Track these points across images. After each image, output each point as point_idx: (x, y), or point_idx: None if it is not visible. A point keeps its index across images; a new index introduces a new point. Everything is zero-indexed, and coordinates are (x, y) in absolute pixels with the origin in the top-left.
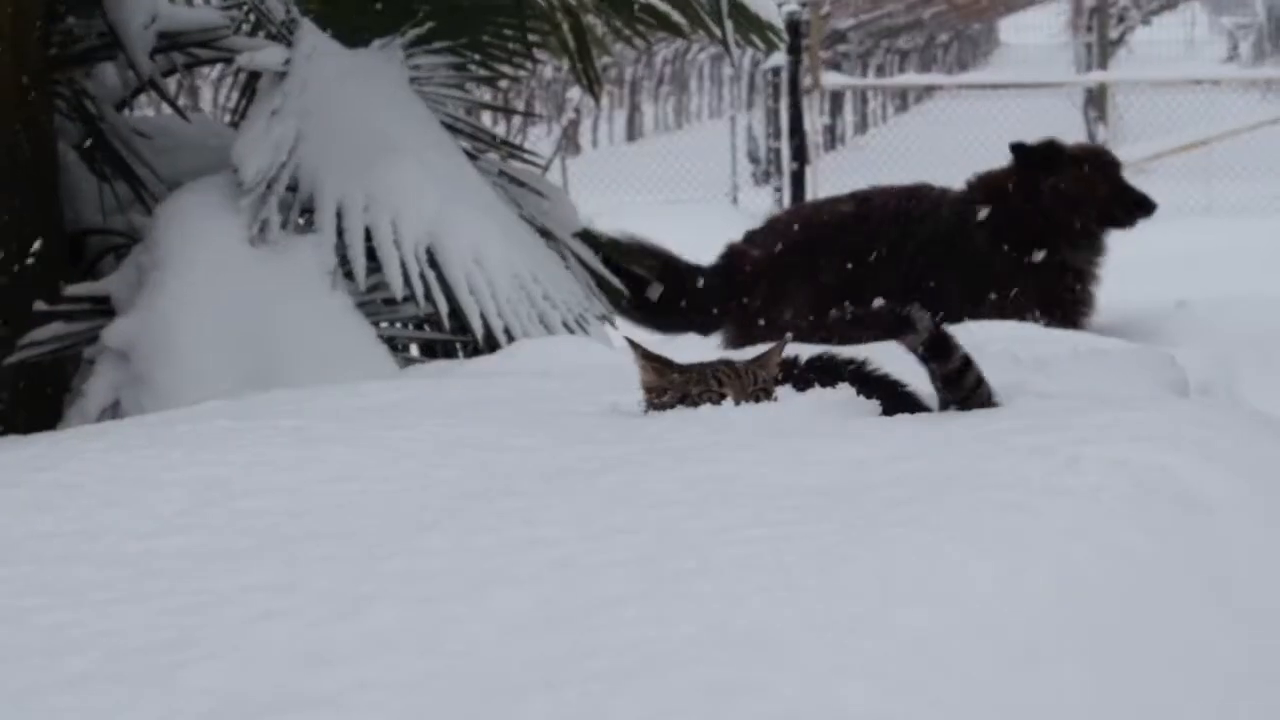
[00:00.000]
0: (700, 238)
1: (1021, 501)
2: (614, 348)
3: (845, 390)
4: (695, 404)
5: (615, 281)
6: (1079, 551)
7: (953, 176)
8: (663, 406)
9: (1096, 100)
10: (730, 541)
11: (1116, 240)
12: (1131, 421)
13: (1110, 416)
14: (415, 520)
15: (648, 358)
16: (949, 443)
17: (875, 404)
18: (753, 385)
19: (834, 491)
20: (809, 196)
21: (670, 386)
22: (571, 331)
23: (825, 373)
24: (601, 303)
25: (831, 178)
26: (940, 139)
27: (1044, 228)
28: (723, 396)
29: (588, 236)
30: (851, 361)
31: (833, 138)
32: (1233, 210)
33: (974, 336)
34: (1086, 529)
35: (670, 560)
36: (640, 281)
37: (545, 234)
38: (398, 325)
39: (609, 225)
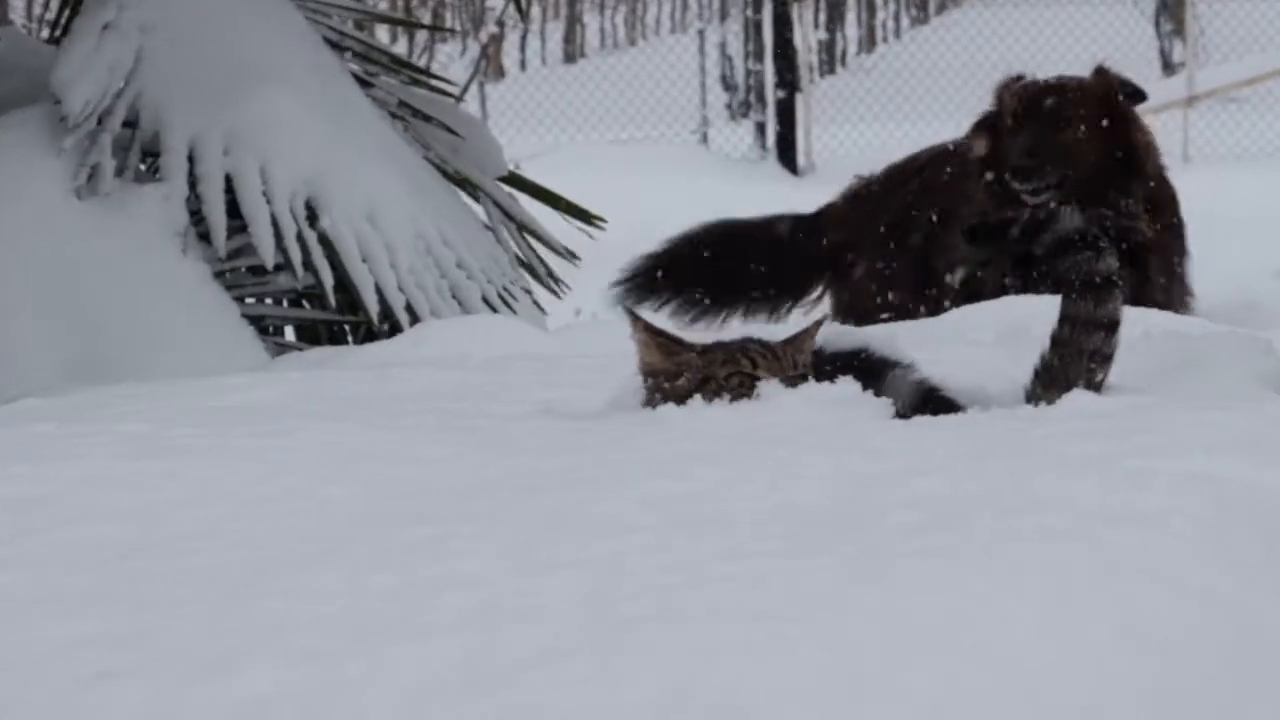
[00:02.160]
0: (661, 187)
1: (1071, 529)
2: (548, 330)
3: (848, 385)
4: (720, 391)
5: (555, 242)
6: (1145, 594)
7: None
8: (672, 396)
9: (1172, 8)
10: (698, 580)
11: (1195, 190)
12: (1214, 426)
13: (1187, 419)
14: (297, 552)
15: (652, 333)
16: (980, 453)
17: (886, 402)
18: (791, 369)
19: (831, 516)
20: (800, 133)
21: (684, 369)
22: (494, 309)
23: (846, 368)
24: (540, 272)
25: (829, 109)
26: (970, 60)
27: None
28: (755, 380)
29: (517, 183)
30: (862, 352)
31: (831, 58)
32: None
33: (1011, 313)
34: (1155, 565)
35: (622, 604)
36: (697, 255)
37: (460, 182)
38: (269, 301)
39: (544, 171)
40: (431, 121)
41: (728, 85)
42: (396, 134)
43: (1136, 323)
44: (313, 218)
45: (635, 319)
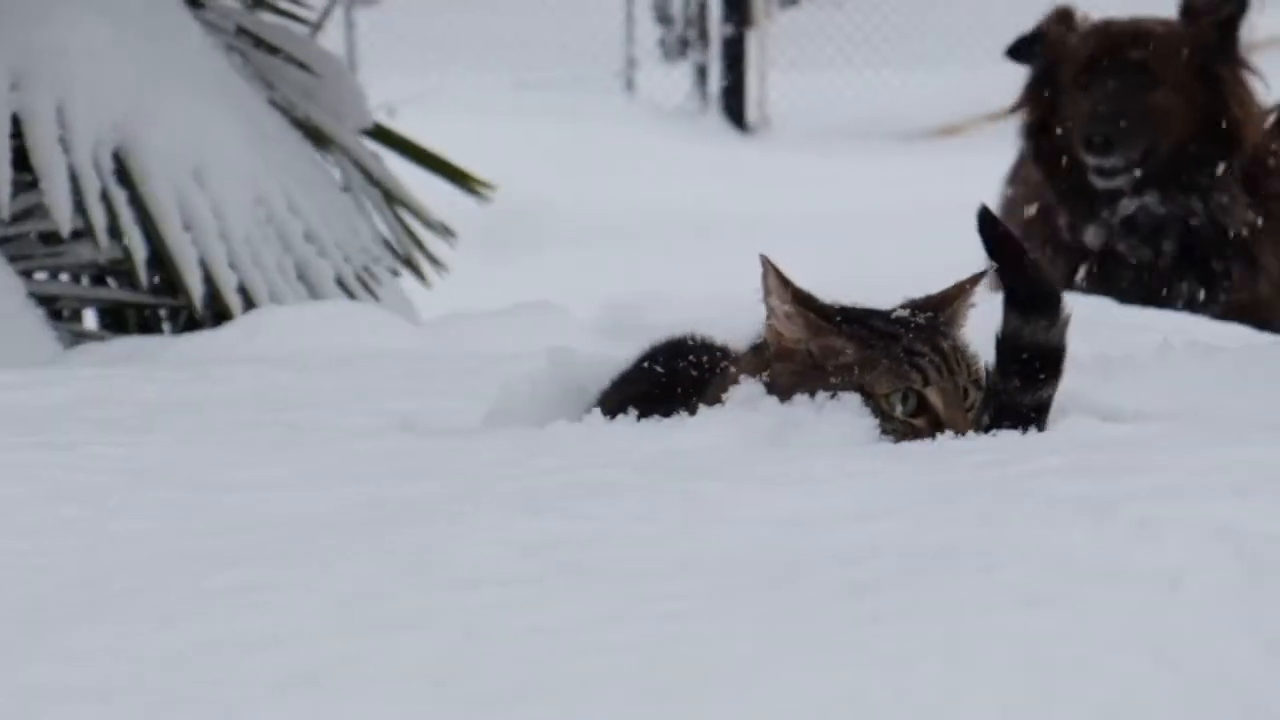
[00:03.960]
0: (573, 145)
1: (1056, 592)
2: (418, 321)
3: (789, 406)
4: (887, 418)
5: (428, 213)
6: (1147, 679)
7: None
8: (795, 388)
9: None
10: (578, 648)
11: None
12: (1243, 464)
13: (1209, 455)
14: (74, 602)
15: (802, 302)
16: (947, 493)
17: (848, 421)
18: (966, 378)
19: (752, 569)
20: (752, 79)
21: (828, 356)
22: (351, 294)
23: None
24: (415, 248)
25: (788, 49)
26: None
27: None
28: (925, 406)
29: (385, 138)
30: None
31: None
32: None
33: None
34: (1161, 641)
35: (476, 678)
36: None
37: (314, 133)
38: (63, 277)
39: (425, 121)
40: (279, 55)
41: (661, 16)
42: (233, 69)
43: (1150, 327)
44: (123, 172)
45: (770, 268)
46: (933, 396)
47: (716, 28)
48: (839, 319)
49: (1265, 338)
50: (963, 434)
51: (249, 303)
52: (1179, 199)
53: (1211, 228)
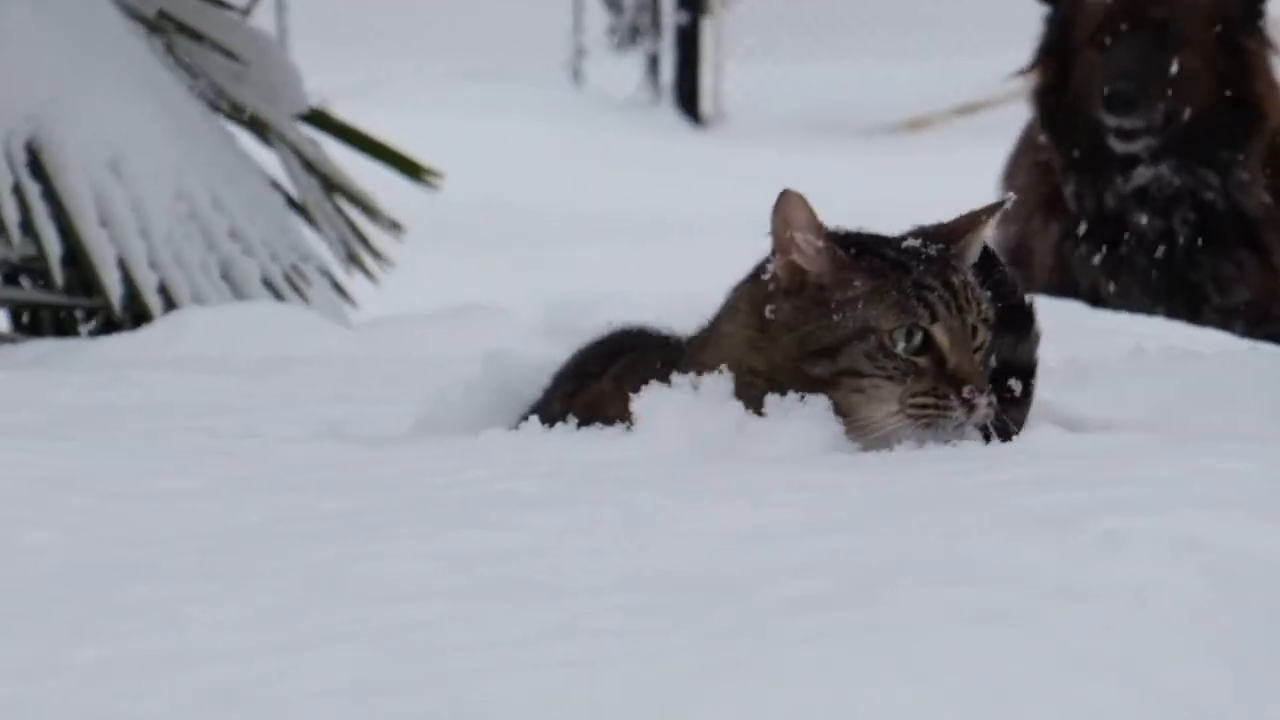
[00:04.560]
0: (519, 138)
1: (1017, 609)
2: (350, 321)
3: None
4: (878, 357)
5: (374, 204)
6: (1112, 700)
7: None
8: (798, 324)
9: None
10: (509, 666)
11: None
12: (1215, 475)
13: (1180, 466)
14: None
15: (828, 237)
16: (905, 505)
17: (804, 429)
18: (976, 315)
19: (695, 584)
20: (707, 69)
21: (838, 288)
22: (279, 295)
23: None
24: (342, 241)
25: (745, 38)
26: None
27: None
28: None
29: (323, 123)
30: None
31: None
32: None
33: None
34: (1127, 659)
35: (400, 696)
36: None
37: (246, 122)
38: None
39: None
40: (204, 41)
41: (611, 3)
42: (154, 56)
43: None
44: (36, 165)
45: (809, 212)
46: (939, 335)
47: (669, 15)
48: (854, 250)
49: (1244, 344)
50: (969, 377)
51: (170, 303)
52: (1197, 171)
53: (1227, 206)
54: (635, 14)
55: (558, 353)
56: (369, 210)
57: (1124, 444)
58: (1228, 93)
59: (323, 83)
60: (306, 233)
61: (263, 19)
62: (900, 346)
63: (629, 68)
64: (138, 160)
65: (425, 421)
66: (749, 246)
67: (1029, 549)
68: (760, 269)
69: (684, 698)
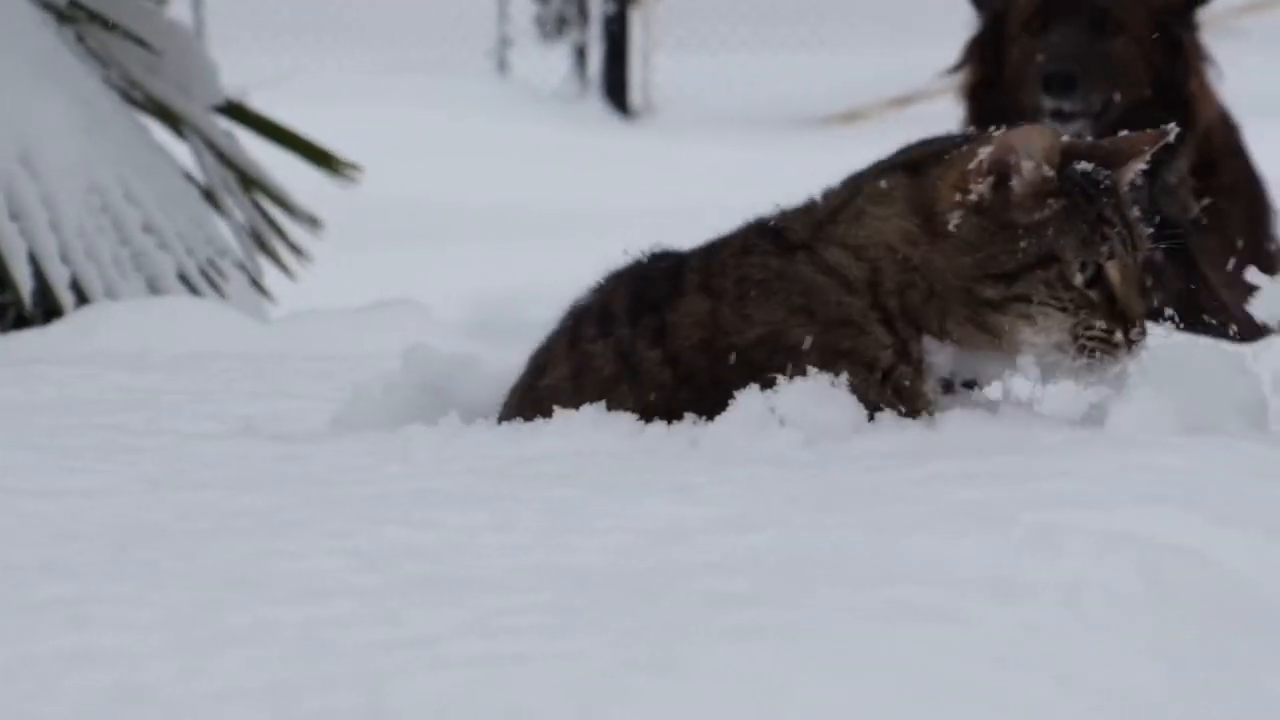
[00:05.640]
0: (443, 132)
1: (944, 606)
2: (268, 317)
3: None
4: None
5: (290, 199)
6: (1039, 698)
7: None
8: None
9: None
10: (422, 664)
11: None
12: (1151, 471)
13: (1115, 460)
14: None
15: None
16: (832, 500)
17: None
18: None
19: (615, 580)
20: (636, 61)
21: (1031, 211)
22: (195, 290)
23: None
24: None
25: (675, 29)
26: None
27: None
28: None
29: (240, 116)
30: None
31: None
32: None
33: None
34: (1055, 657)
35: (311, 696)
36: None
37: (158, 113)
38: None
39: (281, 105)
40: (116, 30)
41: None
42: (65, 46)
43: None
44: None
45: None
46: (1112, 271)
47: (597, 5)
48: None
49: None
50: (1135, 317)
51: (82, 298)
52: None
53: (1150, 209)
54: (562, 4)
55: (479, 348)
56: (285, 205)
57: (1056, 439)
58: (1164, 85)
59: (241, 74)
60: (224, 227)
61: (179, 9)
62: (1077, 279)
63: (556, 59)
64: (48, 153)
65: (343, 418)
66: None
67: (959, 545)
68: (912, 163)
69: (602, 696)
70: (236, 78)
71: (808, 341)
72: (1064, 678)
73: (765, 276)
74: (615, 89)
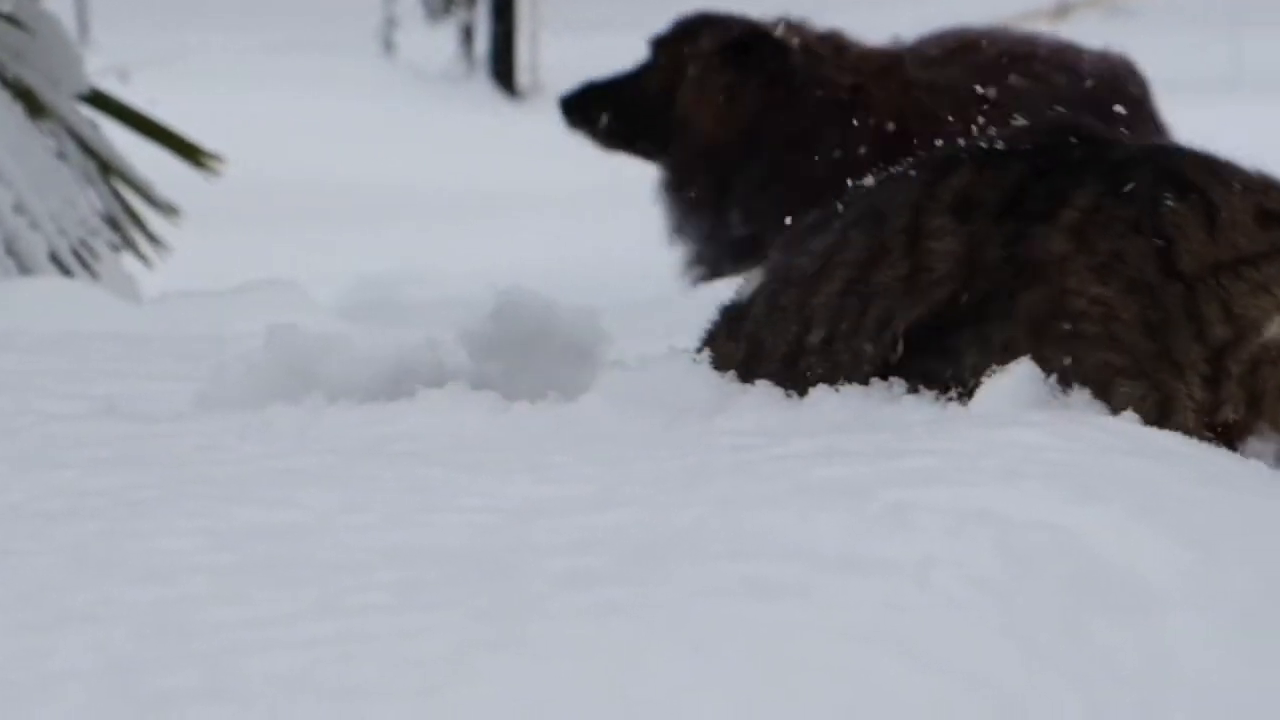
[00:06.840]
0: (327, 113)
1: (795, 582)
2: (139, 299)
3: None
4: None
5: (147, 187)
6: (886, 675)
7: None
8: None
9: None
10: (269, 643)
11: None
12: (1016, 448)
13: (978, 437)
14: None
15: None
16: (693, 478)
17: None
18: None
19: (467, 559)
20: (523, 40)
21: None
22: (66, 271)
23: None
24: (124, 221)
25: (563, 7)
26: None
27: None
28: None
29: (104, 105)
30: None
31: None
32: (1271, 82)
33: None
34: (905, 635)
35: (156, 675)
36: None
37: (24, 96)
38: None
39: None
40: None
41: None
42: None
43: None
44: None
45: None
46: None
47: None
48: None
49: None
50: None
51: None
52: None
53: None
54: None
55: (351, 329)
56: (144, 194)
57: (916, 416)
58: None
59: (125, 54)
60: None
61: None
62: None
63: (442, 39)
64: None
65: (206, 397)
66: (563, 224)
67: (813, 520)
68: None
69: (445, 674)
70: (120, 57)
71: None
72: (914, 656)
73: None
74: (502, 69)
